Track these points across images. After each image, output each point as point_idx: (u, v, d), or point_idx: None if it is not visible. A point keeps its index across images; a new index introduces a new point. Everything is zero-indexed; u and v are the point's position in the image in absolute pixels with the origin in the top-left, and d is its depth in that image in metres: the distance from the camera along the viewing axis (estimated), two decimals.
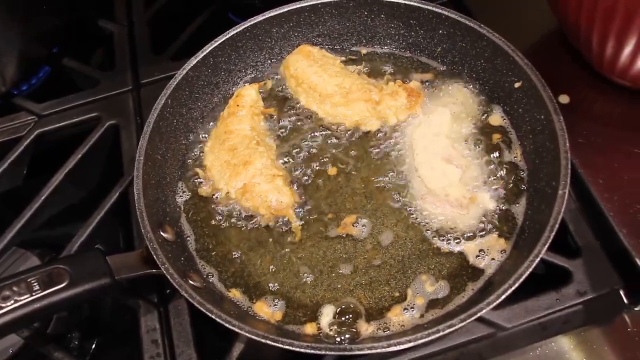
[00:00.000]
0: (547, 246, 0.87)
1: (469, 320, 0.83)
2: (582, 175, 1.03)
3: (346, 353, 0.83)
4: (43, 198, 1.15)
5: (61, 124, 1.27)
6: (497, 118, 1.10)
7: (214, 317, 0.85)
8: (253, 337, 0.83)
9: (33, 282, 0.85)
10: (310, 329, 0.92)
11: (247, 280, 0.99)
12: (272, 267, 0.99)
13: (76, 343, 1.12)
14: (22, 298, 0.83)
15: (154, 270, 0.91)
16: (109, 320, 1.18)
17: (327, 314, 0.93)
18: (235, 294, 0.97)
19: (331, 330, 0.92)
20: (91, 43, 1.52)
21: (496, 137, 1.08)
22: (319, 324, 0.92)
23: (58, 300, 0.85)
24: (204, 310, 0.85)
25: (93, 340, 1.15)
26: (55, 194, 1.16)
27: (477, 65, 1.13)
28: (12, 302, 0.83)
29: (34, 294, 0.84)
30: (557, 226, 0.88)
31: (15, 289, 0.84)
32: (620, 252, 0.95)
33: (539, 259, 0.86)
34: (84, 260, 0.89)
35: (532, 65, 1.03)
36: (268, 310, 0.94)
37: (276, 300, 0.96)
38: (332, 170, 1.08)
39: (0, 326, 0.82)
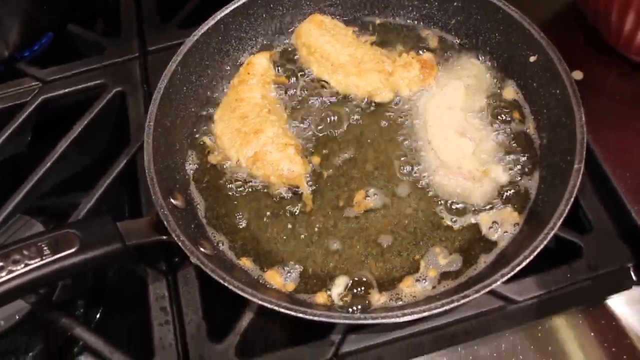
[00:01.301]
0: (562, 219, 0.87)
1: (483, 292, 0.83)
2: (594, 151, 1.03)
3: (360, 322, 0.83)
4: (48, 164, 1.13)
5: (66, 90, 1.24)
6: (510, 92, 1.09)
7: (226, 284, 0.84)
8: (266, 305, 0.83)
9: (43, 245, 0.84)
10: (321, 298, 0.92)
11: (257, 249, 0.98)
12: (282, 236, 0.99)
13: (81, 310, 1.11)
14: (32, 262, 0.82)
15: (164, 237, 0.90)
16: (114, 288, 1.17)
17: (339, 285, 0.92)
18: (246, 263, 0.96)
19: (342, 300, 0.91)
20: (96, 9, 1.49)
21: (509, 111, 1.07)
22: (330, 294, 0.92)
23: (68, 265, 0.84)
24: (216, 277, 0.84)
25: (98, 308, 1.14)
26: (60, 161, 1.15)
27: (491, 38, 1.12)
28: (22, 265, 0.82)
29: (43, 257, 0.83)
30: (572, 200, 0.88)
31: (25, 252, 0.82)
32: (631, 229, 0.95)
33: (554, 232, 0.86)
34: (94, 225, 0.88)
35: (548, 39, 1.02)
36: (279, 280, 0.94)
37: (287, 269, 0.95)
38: (343, 140, 1.07)
39: (10, 289, 0.80)
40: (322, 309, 0.89)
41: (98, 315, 1.14)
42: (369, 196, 1.01)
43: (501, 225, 0.96)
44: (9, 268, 0.81)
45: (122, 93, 1.22)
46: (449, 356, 0.90)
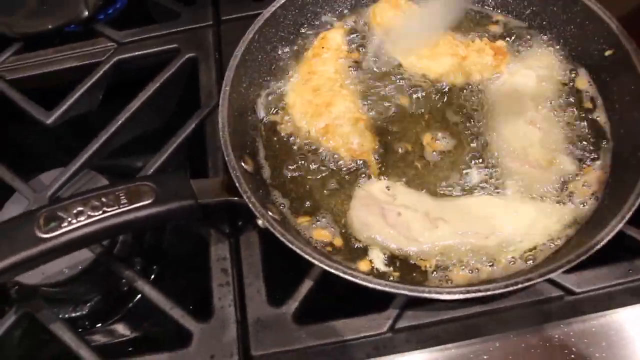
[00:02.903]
0: (631, 212, 0.86)
1: (547, 276, 0.83)
2: None
3: (423, 295, 0.83)
4: (119, 123, 1.16)
5: (140, 52, 1.27)
6: (583, 84, 1.08)
7: (294, 247, 0.85)
8: (331, 271, 0.84)
9: (121, 195, 0.86)
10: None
11: (323, 219, 0.99)
12: (347, 209, 0.99)
13: (138, 267, 1.15)
14: (110, 209, 0.85)
15: (235, 198, 0.92)
16: (173, 246, 1.20)
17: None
18: (303, 222, 0.98)
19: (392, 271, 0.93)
20: None
21: (580, 102, 1.06)
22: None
23: (142, 216, 0.86)
24: (285, 241, 0.86)
25: (154, 266, 1.17)
26: (130, 121, 1.17)
27: (566, 30, 1.12)
28: (101, 212, 0.84)
29: (121, 206, 0.85)
30: None
31: (104, 199, 0.85)
32: None
33: (622, 224, 0.85)
34: (169, 180, 0.90)
35: (627, 33, 1.01)
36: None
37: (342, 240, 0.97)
38: (412, 120, 1.07)
39: (88, 234, 0.83)
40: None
41: (154, 274, 1.17)
42: None
43: None
44: (89, 213, 0.84)
45: (194, 59, 1.24)
46: (501, 342, 0.90)
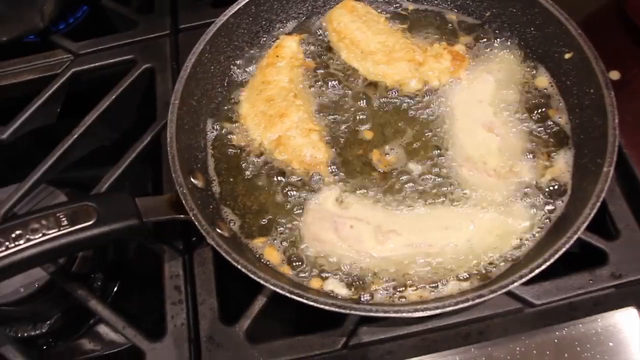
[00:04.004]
0: (586, 223, 0.84)
1: (499, 292, 0.81)
2: (627, 155, 1.00)
3: (371, 314, 0.81)
4: (75, 136, 1.14)
5: (96, 64, 1.25)
6: (543, 84, 1.06)
7: (239, 266, 0.83)
8: (277, 290, 0.82)
9: (61, 216, 0.84)
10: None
11: (275, 234, 0.96)
12: (299, 223, 0.97)
13: (99, 284, 1.13)
14: (50, 232, 0.83)
15: (182, 216, 0.90)
16: (133, 264, 1.18)
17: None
18: (257, 244, 0.95)
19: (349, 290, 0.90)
20: None
21: (541, 106, 1.04)
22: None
23: (84, 237, 0.84)
24: (230, 260, 0.84)
25: (115, 283, 1.15)
26: (87, 134, 1.15)
27: (526, 33, 1.09)
28: (40, 235, 0.83)
29: (61, 228, 0.83)
30: (598, 204, 0.85)
31: (43, 222, 0.83)
32: None
33: (577, 236, 0.83)
34: (112, 200, 0.89)
35: (585, 36, 0.99)
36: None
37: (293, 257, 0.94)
38: (368, 129, 1.05)
39: (27, 257, 0.81)
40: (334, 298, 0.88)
41: (115, 289, 1.15)
42: None
43: None
44: (27, 236, 0.82)
45: (151, 69, 1.22)
46: (461, 356, 0.88)
